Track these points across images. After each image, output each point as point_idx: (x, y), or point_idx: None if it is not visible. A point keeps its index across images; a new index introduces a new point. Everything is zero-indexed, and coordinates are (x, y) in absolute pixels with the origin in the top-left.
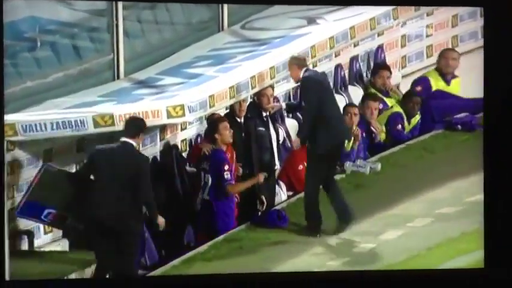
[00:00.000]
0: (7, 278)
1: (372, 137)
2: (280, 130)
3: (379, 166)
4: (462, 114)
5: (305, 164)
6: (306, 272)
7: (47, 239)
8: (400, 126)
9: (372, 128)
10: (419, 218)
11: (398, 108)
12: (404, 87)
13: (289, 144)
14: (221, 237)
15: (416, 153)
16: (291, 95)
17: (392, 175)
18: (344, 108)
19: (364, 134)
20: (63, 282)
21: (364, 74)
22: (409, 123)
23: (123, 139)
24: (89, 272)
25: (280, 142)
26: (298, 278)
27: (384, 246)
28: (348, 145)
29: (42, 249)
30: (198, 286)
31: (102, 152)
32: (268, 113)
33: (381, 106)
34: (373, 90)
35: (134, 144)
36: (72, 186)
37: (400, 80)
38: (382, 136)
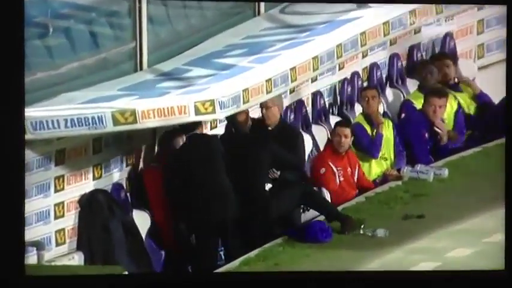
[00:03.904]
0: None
1: (436, 139)
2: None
3: (446, 172)
4: None
5: (330, 164)
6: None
7: (59, 251)
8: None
9: (436, 129)
10: (498, 234)
11: (465, 105)
12: (481, 81)
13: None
14: (254, 252)
15: (494, 159)
16: (337, 89)
17: (463, 183)
18: (360, 92)
19: (426, 135)
20: (84, 278)
21: None
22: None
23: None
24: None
25: (308, 152)
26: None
27: (452, 264)
28: (372, 132)
29: (53, 263)
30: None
31: None
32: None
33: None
34: (437, 85)
35: None
36: None
37: (476, 73)
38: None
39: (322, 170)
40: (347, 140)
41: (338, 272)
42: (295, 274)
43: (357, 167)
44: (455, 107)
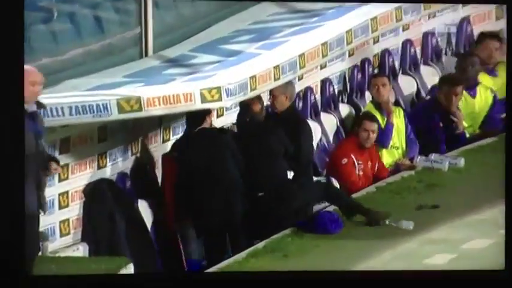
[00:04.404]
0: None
1: (451, 128)
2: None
3: (462, 161)
4: None
5: (352, 156)
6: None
7: (64, 242)
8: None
9: (451, 117)
10: None
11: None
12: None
13: (325, 144)
14: (262, 243)
15: None
16: (347, 77)
17: (480, 173)
18: (370, 80)
19: (441, 124)
20: (91, 278)
21: (444, 51)
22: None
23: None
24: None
25: (317, 140)
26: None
27: (468, 256)
28: (383, 122)
29: (57, 255)
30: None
31: None
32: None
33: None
34: (453, 73)
35: None
36: None
37: None
38: (469, 129)
39: (344, 161)
40: (374, 136)
41: (334, 272)
42: (291, 274)
43: (377, 161)
44: (490, 100)
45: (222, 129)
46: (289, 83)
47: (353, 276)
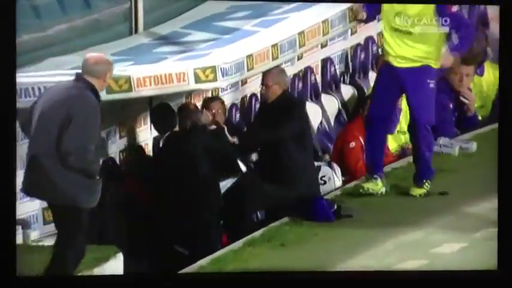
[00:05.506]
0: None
1: (462, 110)
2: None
3: (473, 146)
4: None
5: (361, 140)
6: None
7: (47, 230)
8: None
9: (462, 98)
10: None
11: None
12: None
13: (326, 127)
14: (259, 231)
15: None
16: (349, 56)
17: (492, 158)
18: (377, 60)
19: (451, 106)
20: (78, 280)
21: (453, 30)
22: None
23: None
24: (100, 270)
25: (317, 123)
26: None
27: (480, 246)
28: None
29: (40, 244)
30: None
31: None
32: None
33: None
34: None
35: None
36: None
37: None
38: (481, 111)
39: (352, 144)
40: None
41: (331, 272)
42: (290, 273)
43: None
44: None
45: (192, 132)
46: (282, 71)
47: (350, 276)
